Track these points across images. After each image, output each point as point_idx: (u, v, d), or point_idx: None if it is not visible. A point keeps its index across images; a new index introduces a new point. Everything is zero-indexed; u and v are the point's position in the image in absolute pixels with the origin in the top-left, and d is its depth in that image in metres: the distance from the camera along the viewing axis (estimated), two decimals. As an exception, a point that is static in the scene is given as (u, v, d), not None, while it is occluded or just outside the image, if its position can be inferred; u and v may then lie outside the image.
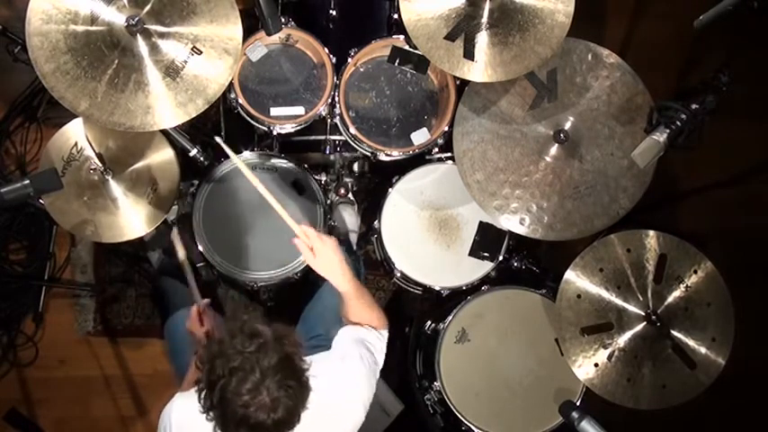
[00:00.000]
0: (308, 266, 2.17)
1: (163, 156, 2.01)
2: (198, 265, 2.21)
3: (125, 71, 1.72)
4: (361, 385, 1.59)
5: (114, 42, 1.72)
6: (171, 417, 1.50)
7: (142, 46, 1.73)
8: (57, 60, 1.67)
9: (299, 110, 2.23)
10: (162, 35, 1.74)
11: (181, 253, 1.98)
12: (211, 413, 1.35)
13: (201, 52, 1.74)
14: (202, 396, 1.36)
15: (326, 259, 1.65)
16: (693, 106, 1.80)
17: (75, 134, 1.97)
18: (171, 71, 1.74)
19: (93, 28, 1.71)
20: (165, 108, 1.73)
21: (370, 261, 2.55)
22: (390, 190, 2.26)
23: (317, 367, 1.44)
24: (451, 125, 2.05)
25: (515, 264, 2.44)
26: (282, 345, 1.36)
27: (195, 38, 1.74)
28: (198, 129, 2.42)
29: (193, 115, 1.74)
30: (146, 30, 1.73)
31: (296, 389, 1.34)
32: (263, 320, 1.40)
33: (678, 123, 1.80)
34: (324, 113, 2.21)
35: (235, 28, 1.76)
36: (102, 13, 1.71)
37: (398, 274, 2.26)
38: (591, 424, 1.84)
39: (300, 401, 1.36)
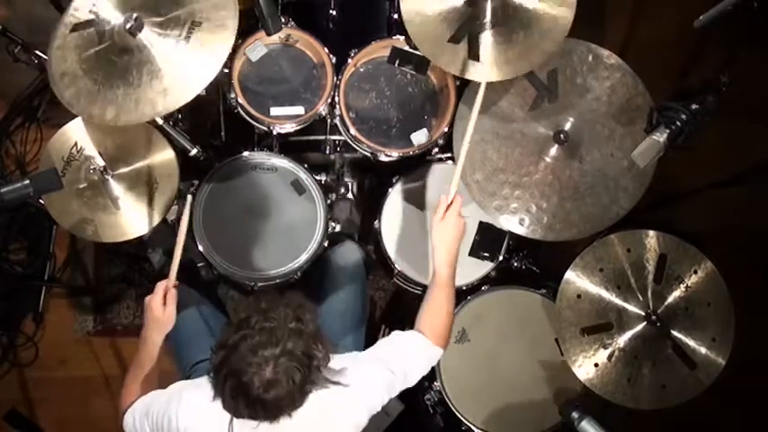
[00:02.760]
0: (308, 266, 2.20)
1: (163, 156, 2.01)
2: (198, 265, 2.21)
3: (137, 68, 1.73)
4: (372, 395, 1.56)
5: (121, 49, 1.74)
6: (179, 416, 1.48)
7: (145, 40, 1.74)
8: (76, 85, 1.71)
9: (299, 110, 2.23)
10: (160, 24, 1.75)
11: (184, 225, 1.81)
12: (216, 353, 1.35)
13: (201, 23, 1.74)
14: (224, 332, 1.36)
15: (448, 230, 1.68)
16: (693, 106, 1.80)
17: (75, 134, 1.97)
18: (156, 68, 1.74)
19: (102, 46, 1.74)
20: (182, 81, 1.73)
21: (370, 261, 2.54)
22: (390, 190, 2.26)
23: (338, 363, 1.44)
24: (451, 125, 2.06)
25: (515, 264, 2.44)
26: (315, 343, 1.37)
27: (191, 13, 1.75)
28: (198, 129, 2.42)
29: (216, 70, 1.73)
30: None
31: (295, 387, 1.33)
32: (314, 315, 1.40)
33: (678, 124, 1.80)
34: (324, 113, 2.21)
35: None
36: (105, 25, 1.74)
37: (398, 274, 2.26)
38: (591, 424, 1.84)
39: (290, 400, 1.35)
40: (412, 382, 1.64)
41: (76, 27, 1.74)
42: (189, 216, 1.75)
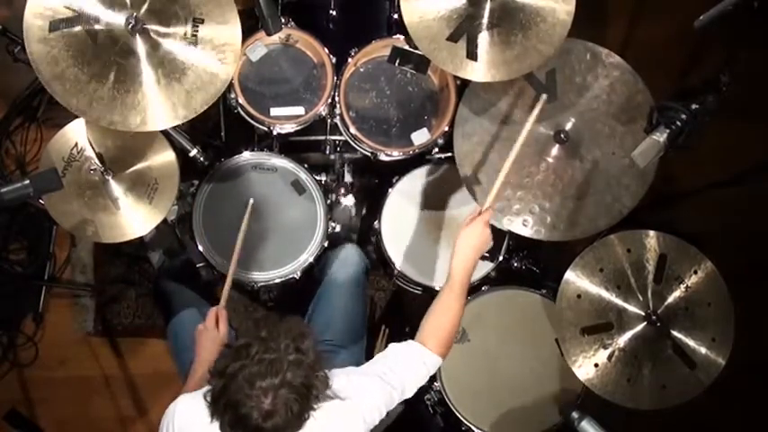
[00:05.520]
0: (308, 267, 2.20)
1: (163, 156, 2.01)
2: (198, 265, 2.21)
3: (149, 70, 1.73)
4: (370, 409, 1.55)
5: (125, 50, 1.73)
6: (174, 417, 1.49)
7: (150, 40, 1.73)
8: (60, 66, 1.68)
9: (299, 110, 2.23)
10: (160, 23, 1.75)
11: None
12: (214, 380, 1.35)
13: (204, 20, 1.73)
14: (221, 358, 1.36)
15: (471, 237, 1.72)
16: (694, 106, 1.80)
17: (75, 134, 1.97)
18: (174, 68, 1.74)
19: (98, 29, 1.71)
20: (205, 79, 1.74)
21: (370, 261, 2.54)
22: (390, 190, 2.26)
23: (335, 378, 1.43)
24: (452, 125, 2.05)
25: (515, 264, 2.44)
26: (314, 373, 1.37)
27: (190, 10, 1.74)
28: (198, 129, 2.42)
29: (234, 63, 1.76)
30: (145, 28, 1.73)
31: (294, 417, 1.34)
32: (314, 342, 1.40)
33: (678, 123, 1.80)
34: (324, 113, 2.21)
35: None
36: (100, 17, 1.72)
37: (398, 274, 2.26)
38: (591, 424, 1.84)
39: (289, 429, 1.36)
40: (410, 393, 1.64)
41: (56, 25, 1.67)
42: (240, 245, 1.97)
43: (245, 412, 1.30)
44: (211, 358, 1.73)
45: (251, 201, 2.09)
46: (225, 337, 1.82)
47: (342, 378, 1.50)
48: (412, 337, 1.69)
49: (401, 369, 1.61)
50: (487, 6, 1.80)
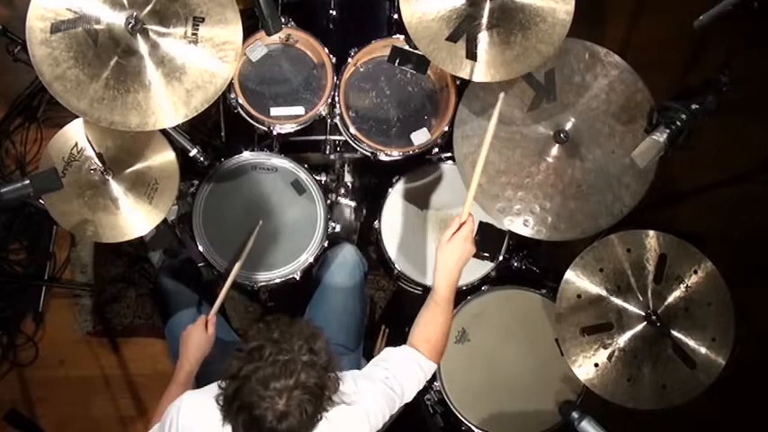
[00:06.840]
0: (308, 267, 2.19)
1: (163, 156, 2.01)
2: (198, 265, 2.21)
3: (150, 70, 1.73)
4: (376, 413, 1.56)
5: (125, 50, 1.72)
6: (178, 416, 1.48)
7: (150, 39, 1.73)
8: (61, 67, 1.68)
9: (299, 110, 2.23)
10: (161, 22, 1.74)
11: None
12: (227, 383, 1.35)
13: (204, 19, 1.73)
14: (234, 360, 1.35)
15: (452, 253, 1.67)
16: (693, 106, 1.80)
17: (75, 134, 1.97)
18: (174, 68, 1.74)
19: (99, 29, 1.71)
20: (205, 79, 1.73)
21: (370, 261, 2.54)
22: (390, 190, 2.26)
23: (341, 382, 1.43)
24: (451, 125, 2.05)
25: (515, 264, 2.44)
26: (327, 375, 1.36)
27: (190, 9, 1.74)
28: (198, 129, 2.42)
29: (234, 63, 1.75)
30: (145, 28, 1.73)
31: (308, 419, 1.33)
32: (326, 343, 1.40)
33: (678, 123, 1.80)
34: (324, 113, 2.21)
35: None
36: (101, 18, 1.72)
37: (398, 274, 2.26)
38: (591, 424, 1.84)
39: (303, 430, 1.35)
40: (409, 398, 1.65)
41: (57, 27, 1.67)
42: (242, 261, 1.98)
43: (259, 414, 1.30)
44: (194, 360, 1.76)
45: (260, 222, 2.09)
46: (212, 339, 1.83)
47: (349, 381, 1.50)
48: (412, 338, 1.69)
49: (401, 374, 1.62)
50: (487, 6, 1.80)
